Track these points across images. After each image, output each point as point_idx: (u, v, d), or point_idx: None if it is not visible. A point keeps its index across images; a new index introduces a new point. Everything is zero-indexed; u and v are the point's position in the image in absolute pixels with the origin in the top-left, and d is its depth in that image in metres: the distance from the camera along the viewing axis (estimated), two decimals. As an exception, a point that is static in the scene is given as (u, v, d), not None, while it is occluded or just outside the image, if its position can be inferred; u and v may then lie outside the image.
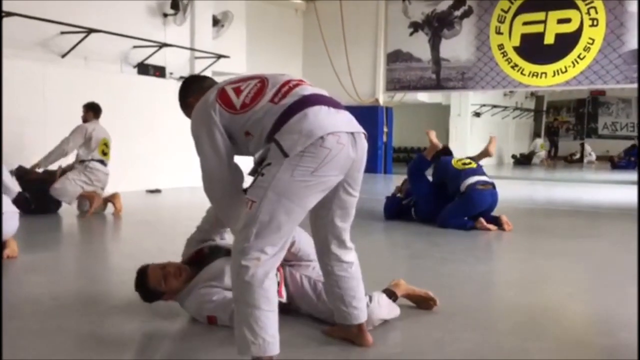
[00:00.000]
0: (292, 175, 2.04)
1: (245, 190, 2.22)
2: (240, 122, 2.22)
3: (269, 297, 2.07)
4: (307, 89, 2.23)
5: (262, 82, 2.27)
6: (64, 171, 6.49)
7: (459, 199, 5.85)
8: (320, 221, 2.33)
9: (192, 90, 2.54)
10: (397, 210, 6.38)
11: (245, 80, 2.32)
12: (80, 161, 6.53)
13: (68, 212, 6.56)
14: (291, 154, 2.04)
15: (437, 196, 6.08)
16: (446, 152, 6.36)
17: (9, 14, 6.81)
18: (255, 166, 2.19)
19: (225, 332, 2.50)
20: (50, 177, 6.42)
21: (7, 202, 4.39)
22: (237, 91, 2.26)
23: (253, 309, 2.04)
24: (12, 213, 4.34)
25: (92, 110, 6.66)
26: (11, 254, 4.20)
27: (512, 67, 11.91)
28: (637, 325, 2.66)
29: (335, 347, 2.50)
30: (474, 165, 5.96)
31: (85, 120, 6.66)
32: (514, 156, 20.99)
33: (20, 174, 6.38)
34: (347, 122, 2.19)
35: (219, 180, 2.34)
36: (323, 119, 2.11)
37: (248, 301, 2.04)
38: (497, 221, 5.80)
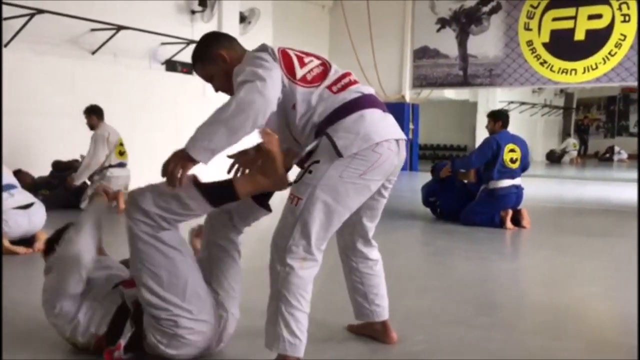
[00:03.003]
0: (341, 175, 2.03)
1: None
2: (295, 91, 2.09)
3: (308, 299, 2.08)
4: (364, 88, 2.20)
5: (324, 65, 2.20)
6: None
7: (485, 197, 5.83)
8: (348, 219, 2.23)
9: (223, 43, 2.24)
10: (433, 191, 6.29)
11: (307, 55, 2.23)
12: (97, 171, 6.62)
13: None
14: (345, 154, 2.02)
15: (463, 194, 6.06)
16: (505, 121, 6.00)
17: (41, 11, 6.93)
18: (304, 158, 2.12)
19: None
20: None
21: (26, 195, 4.48)
22: (301, 61, 2.16)
23: (295, 310, 2.03)
24: (38, 205, 4.44)
25: (95, 114, 6.66)
26: (42, 246, 4.27)
27: (541, 64, 11.74)
28: (637, 325, 2.61)
29: (359, 344, 2.51)
30: (516, 166, 5.84)
31: (91, 126, 6.66)
32: (548, 155, 20.61)
33: (60, 167, 6.60)
34: (395, 128, 2.20)
35: (257, 112, 1.93)
36: (378, 123, 2.11)
37: (290, 300, 2.03)
38: (517, 215, 5.75)
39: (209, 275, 2.27)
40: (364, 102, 2.13)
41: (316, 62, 2.20)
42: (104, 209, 2.43)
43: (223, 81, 2.22)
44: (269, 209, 2.28)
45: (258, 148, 2.21)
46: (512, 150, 5.84)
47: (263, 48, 2.14)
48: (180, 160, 1.95)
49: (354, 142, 2.03)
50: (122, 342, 2.13)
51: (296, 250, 2.03)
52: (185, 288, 2.10)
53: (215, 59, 2.21)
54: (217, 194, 2.08)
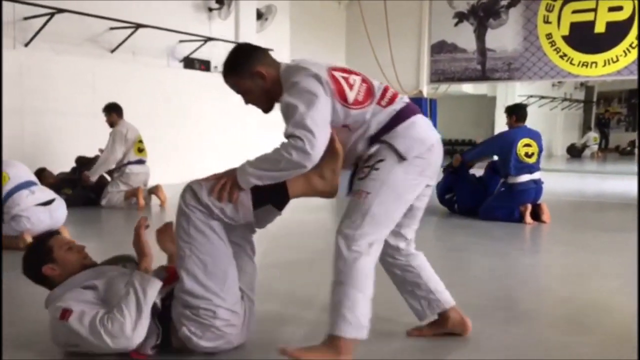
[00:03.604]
0: (405, 172, 2.21)
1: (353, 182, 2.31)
2: (348, 114, 2.22)
3: (371, 286, 2.18)
4: (405, 98, 2.36)
5: (366, 82, 2.31)
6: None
7: (503, 192, 5.80)
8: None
9: (261, 60, 2.27)
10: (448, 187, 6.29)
11: (349, 73, 2.30)
12: (116, 168, 6.70)
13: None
14: (408, 157, 2.20)
15: (477, 188, 6.03)
16: (521, 115, 5.91)
17: (61, 11, 7.02)
18: (362, 162, 2.27)
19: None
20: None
21: (47, 191, 4.56)
22: (348, 83, 2.24)
23: (361, 294, 2.13)
24: (59, 201, 4.51)
25: (114, 112, 6.72)
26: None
27: (561, 57, 11.61)
28: (637, 325, 2.58)
29: (395, 340, 2.52)
30: (533, 160, 5.76)
31: (111, 123, 6.72)
32: (569, 149, 20.38)
33: (82, 162, 6.71)
34: (435, 131, 2.38)
35: (318, 152, 2.08)
36: (427, 127, 2.32)
37: (358, 286, 2.13)
38: (537, 210, 5.72)
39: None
40: (411, 110, 2.30)
41: (358, 79, 2.29)
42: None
43: (258, 97, 2.29)
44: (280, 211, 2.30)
45: (330, 147, 2.20)
46: (527, 145, 5.74)
47: (316, 77, 2.16)
48: (231, 178, 2.11)
49: (413, 145, 2.22)
50: (151, 342, 2.16)
51: (363, 239, 2.16)
52: (226, 279, 2.16)
53: (253, 76, 2.25)
54: (269, 192, 2.14)
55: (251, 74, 2.24)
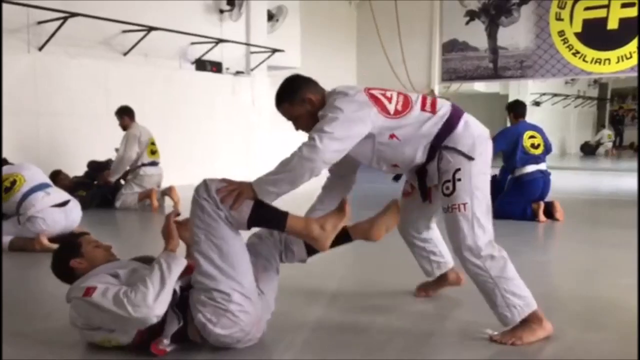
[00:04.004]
0: (478, 171, 2.46)
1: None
2: (391, 125, 2.41)
3: (514, 269, 2.50)
4: (447, 102, 2.57)
5: (401, 94, 2.52)
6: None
7: (512, 186, 5.81)
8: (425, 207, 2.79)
9: (310, 87, 2.50)
10: None
11: (385, 90, 2.53)
12: (130, 170, 6.75)
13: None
14: (475, 155, 2.44)
15: (492, 187, 6.01)
16: (520, 111, 6.07)
17: (73, 15, 7.08)
18: (439, 176, 2.50)
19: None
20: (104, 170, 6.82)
21: (62, 193, 4.60)
22: (387, 97, 2.46)
23: (510, 280, 2.43)
24: (74, 202, 4.56)
25: (126, 115, 6.75)
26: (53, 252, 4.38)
27: (574, 54, 11.54)
28: (637, 324, 2.56)
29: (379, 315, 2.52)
30: (539, 151, 5.82)
31: (124, 126, 6.76)
32: (582, 147, 20.23)
33: (94, 167, 6.77)
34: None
35: (313, 165, 2.25)
36: (478, 123, 2.56)
37: (508, 275, 2.44)
38: (550, 207, 5.69)
39: (255, 275, 2.37)
40: (459, 111, 2.53)
41: (395, 93, 2.52)
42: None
43: (307, 122, 2.47)
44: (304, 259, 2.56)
45: (341, 207, 2.40)
46: (532, 137, 5.84)
47: (349, 97, 2.39)
48: (244, 189, 2.22)
49: (475, 143, 2.45)
50: (167, 332, 2.19)
51: (484, 243, 2.42)
52: (240, 263, 2.24)
53: (303, 102, 2.47)
54: (267, 215, 2.27)
55: (302, 100, 2.47)
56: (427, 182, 2.59)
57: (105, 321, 2.19)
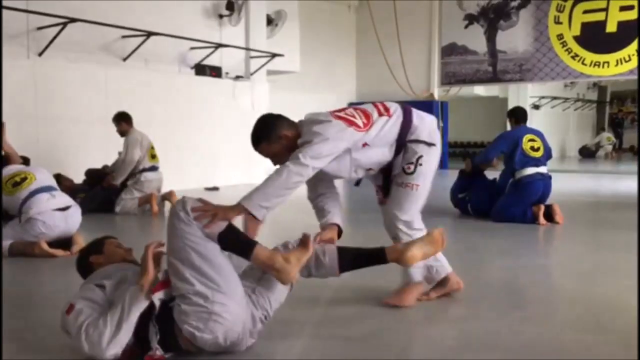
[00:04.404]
0: (435, 156, 2.85)
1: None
2: (363, 137, 2.70)
3: None
4: (393, 103, 2.90)
5: (357, 108, 2.81)
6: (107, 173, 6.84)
7: (511, 190, 5.82)
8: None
9: (283, 125, 2.67)
10: (456, 201, 6.39)
11: (343, 110, 2.80)
12: (130, 175, 6.75)
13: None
14: (435, 142, 2.84)
15: (494, 191, 6.03)
16: (521, 117, 6.10)
17: (73, 20, 7.09)
18: (404, 160, 2.81)
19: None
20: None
21: (66, 198, 4.62)
22: (351, 115, 2.73)
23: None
24: (75, 208, 4.57)
25: (124, 120, 6.74)
26: (79, 249, 4.38)
27: (573, 57, 11.58)
28: (637, 324, 2.55)
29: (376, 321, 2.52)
30: (539, 154, 5.82)
31: (121, 132, 6.75)
32: (581, 150, 20.24)
33: (91, 175, 6.77)
34: None
35: (301, 179, 2.50)
36: (427, 114, 2.92)
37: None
38: (550, 211, 5.69)
39: (256, 280, 2.42)
40: (406, 108, 2.87)
41: (352, 109, 2.80)
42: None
43: (284, 155, 2.61)
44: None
45: (304, 242, 2.40)
46: (531, 140, 5.85)
47: (323, 123, 2.63)
48: (219, 211, 2.25)
49: (431, 133, 2.85)
50: (156, 344, 2.18)
51: (416, 220, 2.86)
52: (217, 261, 2.22)
53: (280, 139, 2.65)
54: (237, 240, 2.29)
55: (279, 137, 2.64)
56: (393, 171, 2.87)
57: (73, 341, 2.23)
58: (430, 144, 2.81)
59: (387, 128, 2.76)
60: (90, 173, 6.99)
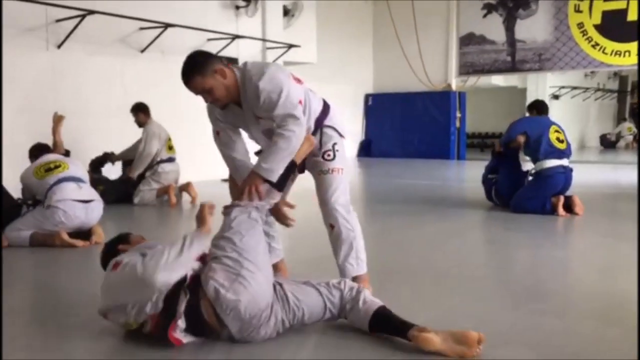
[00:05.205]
0: (345, 149, 3.00)
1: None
2: (301, 91, 2.77)
3: None
4: None
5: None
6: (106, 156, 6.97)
7: (532, 181, 5.76)
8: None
9: (215, 60, 2.66)
10: (494, 167, 6.25)
11: None
12: (148, 166, 6.79)
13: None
14: (344, 135, 3.00)
15: (519, 177, 5.96)
16: (542, 109, 6.07)
17: (91, 12, 7.13)
18: (321, 147, 2.91)
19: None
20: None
21: (92, 191, 4.67)
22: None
23: (362, 239, 2.94)
24: (97, 202, 4.62)
25: (142, 112, 6.79)
26: (98, 239, 4.45)
27: (593, 46, 11.40)
28: (637, 324, 2.51)
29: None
30: (564, 146, 5.75)
31: (139, 123, 6.80)
32: (602, 140, 19.96)
33: (95, 165, 6.84)
34: None
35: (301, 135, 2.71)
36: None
37: (360, 233, 2.93)
38: (569, 202, 5.63)
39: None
40: (325, 101, 3.00)
41: None
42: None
43: (221, 93, 2.66)
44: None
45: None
46: (557, 131, 5.79)
47: (281, 67, 2.77)
48: (254, 182, 2.61)
49: (343, 126, 3.01)
50: (180, 316, 2.21)
51: (349, 203, 2.92)
52: (256, 242, 2.38)
53: (215, 73, 2.62)
54: (283, 175, 2.68)
55: (214, 71, 2.62)
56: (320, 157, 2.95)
57: (123, 294, 2.26)
58: (342, 135, 2.96)
59: (315, 101, 2.88)
60: (94, 163, 7.00)
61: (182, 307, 2.21)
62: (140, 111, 6.79)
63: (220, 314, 2.24)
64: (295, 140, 2.64)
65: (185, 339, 2.26)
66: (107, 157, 7.03)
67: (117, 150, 7.15)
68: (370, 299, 2.43)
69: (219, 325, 2.28)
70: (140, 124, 6.80)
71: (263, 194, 2.59)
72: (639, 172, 7.19)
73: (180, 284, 2.25)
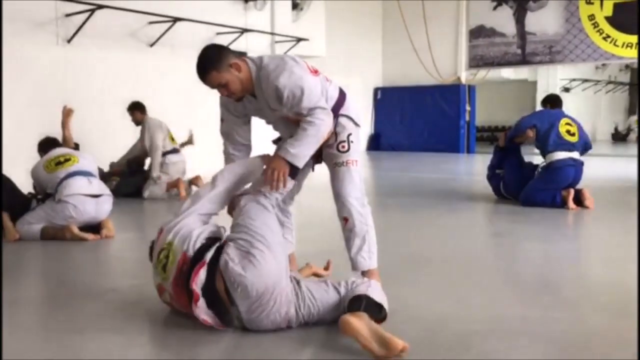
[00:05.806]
0: (360, 138, 2.94)
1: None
2: (318, 82, 2.73)
3: None
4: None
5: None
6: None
7: (542, 174, 5.73)
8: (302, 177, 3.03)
9: (229, 54, 2.67)
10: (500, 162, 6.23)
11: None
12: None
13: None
14: (360, 124, 2.92)
15: (527, 170, 5.94)
16: (557, 103, 6.08)
17: (101, 7, 7.15)
18: (334, 136, 2.84)
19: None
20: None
21: (102, 186, 4.69)
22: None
23: (374, 233, 2.89)
24: (107, 197, 4.64)
25: (138, 110, 6.80)
26: (108, 233, 4.48)
27: (604, 39, 11.31)
28: (637, 324, 2.49)
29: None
30: (574, 139, 5.70)
31: (136, 121, 6.82)
32: (613, 133, 19.84)
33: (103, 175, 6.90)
34: None
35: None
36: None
37: (372, 227, 2.88)
38: (579, 195, 5.60)
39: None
40: (341, 89, 2.93)
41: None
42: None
43: (237, 87, 2.65)
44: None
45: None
46: (568, 124, 5.75)
47: (297, 60, 2.69)
48: (283, 168, 2.60)
49: (359, 115, 2.93)
50: (201, 281, 2.32)
51: (364, 196, 2.88)
52: (272, 231, 2.46)
53: (230, 67, 2.62)
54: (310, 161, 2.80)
55: (229, 66, 2.61)
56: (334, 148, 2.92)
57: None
58: (357, 125, 2.90)
59: (331, 89, 2.81)
60: (128, 163, 7.05)
61: (201, 282, 2.32)
62: (137, 109, 6.82)
63: (229, 288, 2.30)
64: (324, 128, 2.65)
65: (210, 318, 2.32)
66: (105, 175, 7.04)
67: (119, 148, 7.15)
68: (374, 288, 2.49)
69: (229, 302, 2.33)
70: (137, 122, 6.84)
71: (287, 181, 2.62)
72: (638, 167, 7.13)
73: (212, 241, 2.45)
